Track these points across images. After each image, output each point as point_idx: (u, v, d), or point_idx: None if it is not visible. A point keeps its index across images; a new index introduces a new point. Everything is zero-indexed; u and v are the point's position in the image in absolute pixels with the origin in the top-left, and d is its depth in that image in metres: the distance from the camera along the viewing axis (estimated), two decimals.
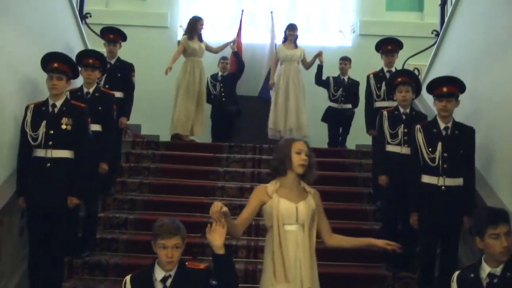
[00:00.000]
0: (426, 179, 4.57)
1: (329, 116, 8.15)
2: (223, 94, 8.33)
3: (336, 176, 6.70)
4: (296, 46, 7.87)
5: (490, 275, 3.07)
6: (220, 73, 8.46)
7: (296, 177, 3.39)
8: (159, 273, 3.12)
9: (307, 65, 8.00)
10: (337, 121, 8.13)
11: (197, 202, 6.02)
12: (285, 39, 7.93)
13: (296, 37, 7.88)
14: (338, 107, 8.04)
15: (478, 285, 3.08)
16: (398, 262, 5.12)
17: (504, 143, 4.71)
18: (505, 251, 3.03)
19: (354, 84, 8.07)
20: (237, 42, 8.69)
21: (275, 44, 8.75)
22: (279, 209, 3.27)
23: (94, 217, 5.41)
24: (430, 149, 4.62)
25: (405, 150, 5.16)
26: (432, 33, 7.69)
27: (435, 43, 7.45)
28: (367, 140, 6.82)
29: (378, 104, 6.33)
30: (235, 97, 8.50)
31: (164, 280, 3.10)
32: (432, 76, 6.29)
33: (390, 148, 5.36)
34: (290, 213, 3.29)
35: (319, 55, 7.84)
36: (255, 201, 3.37)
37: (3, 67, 4.80)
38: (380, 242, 3.41)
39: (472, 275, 3.12)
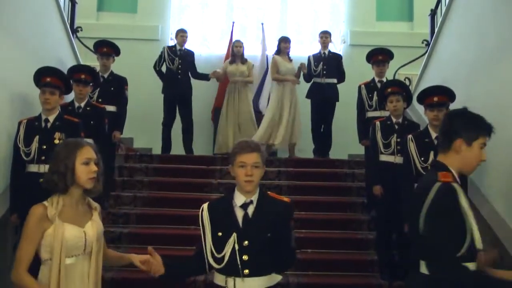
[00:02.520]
0: None
1: (312, 91, 7.81)
2: (179, 71, 7.79)
3: (329, 186, 6.70)
4: (290, 59, 7.90)
5: None
6: (178, 47, 7.90)
7: (82, 192, 2.81)
8: (239, 199, 2.87)
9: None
10: (321, 97, 7.71)
11: (191, 214, 5.92)
12: (279, 51, 7.91)
13: (289, 49, 7.91)
14: (321, 81, 7.70)
15: None
16: (393, 272, 5.13)
17: (497, 152, 4.73)
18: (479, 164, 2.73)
19: (336, 57, 7.91)
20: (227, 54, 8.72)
21: (266, 56, 8.78)
22: (65, 239, 2.64)
23: None
24: (422, 158, 4.66)
25: (398, 159, 5.19)
26: (422, 42, 7.76)
27: (425, 52, 7.51)
28: (360, 150, 6.85)
29: (370, 114, 6.38)
30: (189, 79, 7.91)
31: (245, 206, 2.85)
32: (424, 85, 6.33)
33: (383, 158, 5.39)
34: (78, 242, 2.70)
35: (301, 67, 7.79)
36: (37, 230, 2.63)
37: None
38: (136, 260, 2.95)
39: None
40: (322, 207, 6.31)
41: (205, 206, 2.92)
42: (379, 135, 5.44)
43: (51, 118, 4.73)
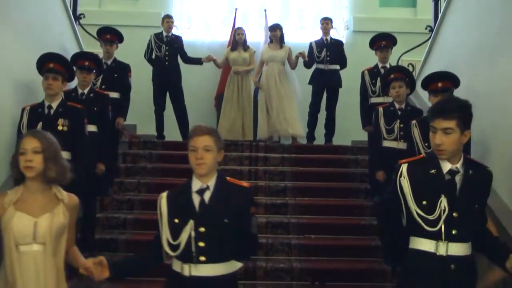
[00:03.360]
0: None
1: (315, 77, 7.80)
2: (167, 58, 7.82)
3: (332, 172, 6.72)
4: (281, 46, 7.80)
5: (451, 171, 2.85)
6: (165, 34, 7.90)
7: (43, 181, 2.92)
8: (196, 184, 2.81)
9: (292, 65, 7.87)
10: (324, 83, 7.73)
11: None
12: (271, 40, 7.89)
13: (282, 36, 7.79)
14: (325, 67, 7.68)
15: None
16: (397, 257, 5.14)
17: (501, 139, 4.72)
18: (435, 147, 2.84)
19: (337, 43, 7.91)
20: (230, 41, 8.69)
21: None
22: (12, 226, 2.78)
23: (92, 218, 5.41)
24: (426, 144, 4.65)
25: (401, 145, 5.22)
26: (426, 28, 7.71)
27: (429, 38, 7.48)
28: (363, 136, 6.85)
29: (374, 100, 6.38)
30: (178, 65, 7.93)
31: (200, 192, 2.78)
32: (427, 71, 6.31)
33: (386, 143, 5.42)
34: (25, 231, 2.79)
35: (300, 55, 7.69)
36: None
37: None
38: (80, 266, 2.82)
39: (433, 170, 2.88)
40: (325, 193, 6.34)
41: (164, 194, 2.87)
42: (382, 121, 5.45)
43: (54, 105, 4.73)
